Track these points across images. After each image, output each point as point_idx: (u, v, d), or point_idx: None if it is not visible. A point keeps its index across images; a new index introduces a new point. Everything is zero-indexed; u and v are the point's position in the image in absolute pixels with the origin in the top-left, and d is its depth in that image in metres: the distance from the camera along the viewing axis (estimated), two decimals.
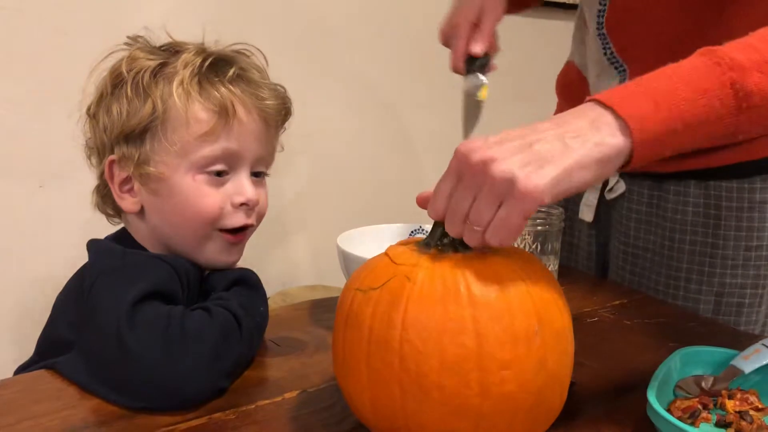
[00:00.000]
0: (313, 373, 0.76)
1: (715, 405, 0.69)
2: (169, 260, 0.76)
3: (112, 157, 0.79)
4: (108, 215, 0.87)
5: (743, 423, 0.65)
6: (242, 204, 0.80)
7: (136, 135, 0.77)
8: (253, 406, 0.69)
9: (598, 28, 0.98)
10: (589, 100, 0.58)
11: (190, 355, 0.67)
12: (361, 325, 0.58)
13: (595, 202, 1.08)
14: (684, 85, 0.56)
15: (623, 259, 1.05)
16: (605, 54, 0.98)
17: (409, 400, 0.56)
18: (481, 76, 0.87)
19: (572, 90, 1.09)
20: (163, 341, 0.66)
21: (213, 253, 0.81)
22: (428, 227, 1.00)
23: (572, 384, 0.63)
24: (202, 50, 0.80)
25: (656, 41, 0.91)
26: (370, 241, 0.98)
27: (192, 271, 0.79)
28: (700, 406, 0.67)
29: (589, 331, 0.86)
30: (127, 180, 0.80)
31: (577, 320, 0.64)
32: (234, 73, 0.79)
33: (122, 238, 0.84)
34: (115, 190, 0.81)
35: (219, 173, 0.78)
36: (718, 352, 0.75)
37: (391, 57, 1.98)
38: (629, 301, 0.96)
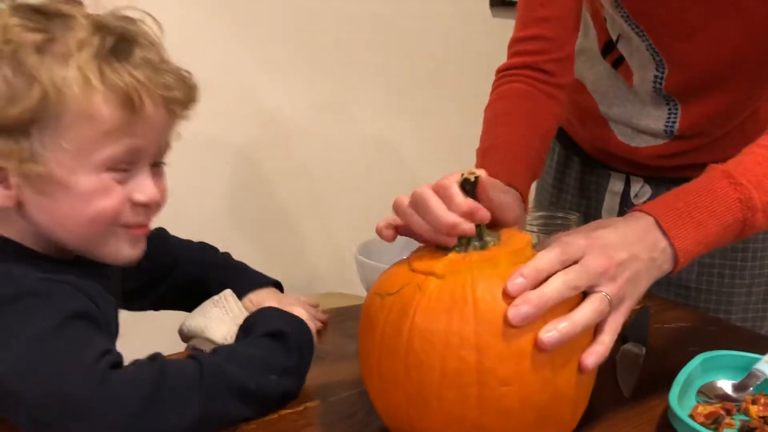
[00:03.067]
0: (334, 382, 0.76)
1: (738, 410, 0.69)
2: (79, 286, 0.67)
3: None
4: None
5: (767, 428, 0.65)
6: (143, 204, 0.71)
7: (18, 126, 0.64)
8: (275, 416, 0.70)
9: (655, 91, 0.97)
10: (644, 212, 0.67)
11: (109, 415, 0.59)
12: (375, 330, 0.60)
13: (616, 207, 1.08)
14: (714, 219, 0.67)
15: None
16: (657, 103, 0.98)
17: (412, 407, 0.57)
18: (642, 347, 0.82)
19: (582, 110, 1.09)
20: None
21: (115, 249, 0.72)
22: None
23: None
24: (98, 25, 0.67)
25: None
26: (389, 250, 0.99)
27: (106, 298, 0.71)
28: (723, 412, 0.67)
29: None
30: None
31: None
32: (139, 56, 0.68)
33: None
34: None
35: (123, 169, 0.69)
36: (740, 356, 0.74)
37: (418, 62, 1.99)
38: (649, 305, 0.95)
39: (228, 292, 0.84)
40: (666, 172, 1.01)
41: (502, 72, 1.00)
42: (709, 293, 1.02)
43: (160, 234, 0.91)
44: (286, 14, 1.77)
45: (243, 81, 1.68)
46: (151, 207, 0.72)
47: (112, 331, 0.73)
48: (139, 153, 0.69)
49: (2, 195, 0.67)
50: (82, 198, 0.67)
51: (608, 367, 0.77)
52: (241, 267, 0.94)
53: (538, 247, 0.63)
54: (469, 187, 0.61)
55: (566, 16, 0.95)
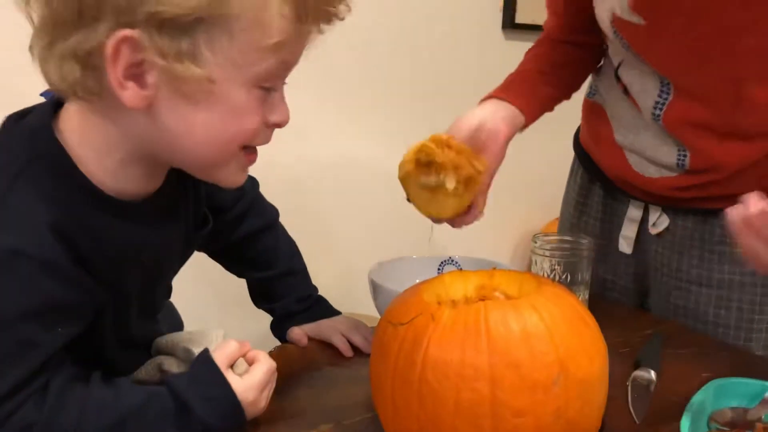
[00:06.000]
0: (347, 406, 0.76)
1: None
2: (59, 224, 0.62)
3: (129, 33, 0.57)
4: (75, 96, 0.62)
5: None
6: (275, 125, 0.68)
7: (182, 23, 0.57)
8: None
9: (654, 118, 0.96)
10: None
11: None
12: (388, 360, 0.60)
13: (633, 235, 1.08)
14: None
15: (667, 292, 1.05)
16: (667, 136, 0.98)
17: None
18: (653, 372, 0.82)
19: (600, 136, 1.09)
20: None
21: (230, 174, 0.69)
22: (458, 258, 1.01)
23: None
24: None
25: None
26: (401, 273, 1.00)
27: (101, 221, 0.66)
28: None
29: (621, 361, 0.85)
30: (138, 64, 0.59)
31: (609, 350, 0.64)
32: None
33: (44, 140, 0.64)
34: (115, 74, 0.58)
35: (267, 88, 0.65)
36: (752, 383, 0.74)
37: (430, 85, 2.00)
38: (661, 330, 0.95)
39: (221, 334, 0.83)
40: (683, 203, 1.00)
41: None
42: (728, 327, 1.00)
43: (273, 219, 0.97)
44: None
45: None
46: (279, 128, 0.69)
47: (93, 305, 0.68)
48: (287, 69, 0.66)
49: (137, 95, 0.60)
50: (228, 113, 0.63)
51: (620, 393, 0.77)
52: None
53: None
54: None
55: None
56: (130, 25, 0.57)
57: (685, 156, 0.96)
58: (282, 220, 0.99)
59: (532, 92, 0.97)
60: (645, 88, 0.96)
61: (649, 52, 0.92)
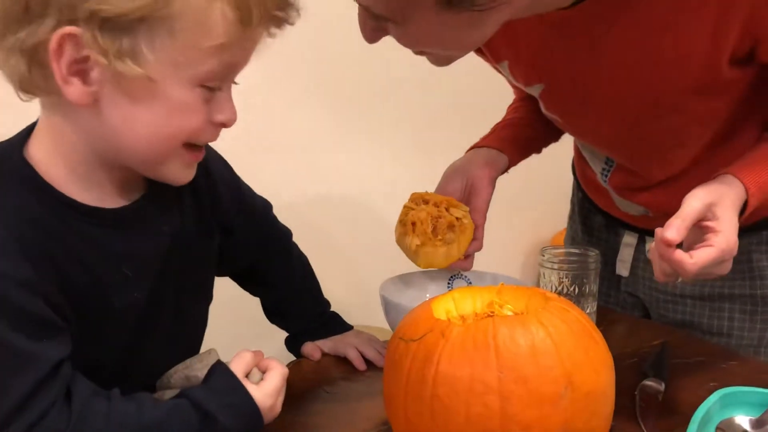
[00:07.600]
0: (360, 420, 0.78)
1: None
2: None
3: (71, 30, 0.59)
4: (23, 90, 0.64)
5: None
6: (220, 124, 0.69)
7: (124, 22, 0.59)
8: None
9: (603, 180, 1.04)
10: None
11: None
12: (400, 376, 0.62)
13: (629, 259, 1.11)
14: None
15: (664, 307, 1.08)
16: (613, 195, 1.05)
17: None
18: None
19: (587, 178, 1.13)
20: None
21: (174, 171, 0.70)
22: (467, 273, 1.02)
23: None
24: None
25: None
26: (412, 288, 1.01)
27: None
28: None
29: (628, 372, 0.87)
30: (81, 60, 0.60)
31: (617, 361, 0.66)
32: None
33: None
34: (59, 70, 0.60)
35: (211, 87, 0.66)
36: (759, 392, 0.75)
37: (438, 97, 2.02)
38: (668, 340, 0.96)
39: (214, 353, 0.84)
40: None
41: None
42: (720, 336, 1.03)
43: (286, 243, 0.98)
44: (309, 55, 1.81)
45: (266, 120, 1.73)
46: (225, 127, 0.70)
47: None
48: (233, 71, 0.67)
49: (81, 91, 0.62)
50: (169, 110, 0.64)
51: (628, 403, 0.79)
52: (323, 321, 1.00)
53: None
54: None
55: None
56: (73, 22, 0.59)
57: (645, 208, 1.02)
58: (294, 235, 1.01)
59: (513, 135, 1.06)
60: (594, 156, 1.03)
61: (579, 138, 1.02)
